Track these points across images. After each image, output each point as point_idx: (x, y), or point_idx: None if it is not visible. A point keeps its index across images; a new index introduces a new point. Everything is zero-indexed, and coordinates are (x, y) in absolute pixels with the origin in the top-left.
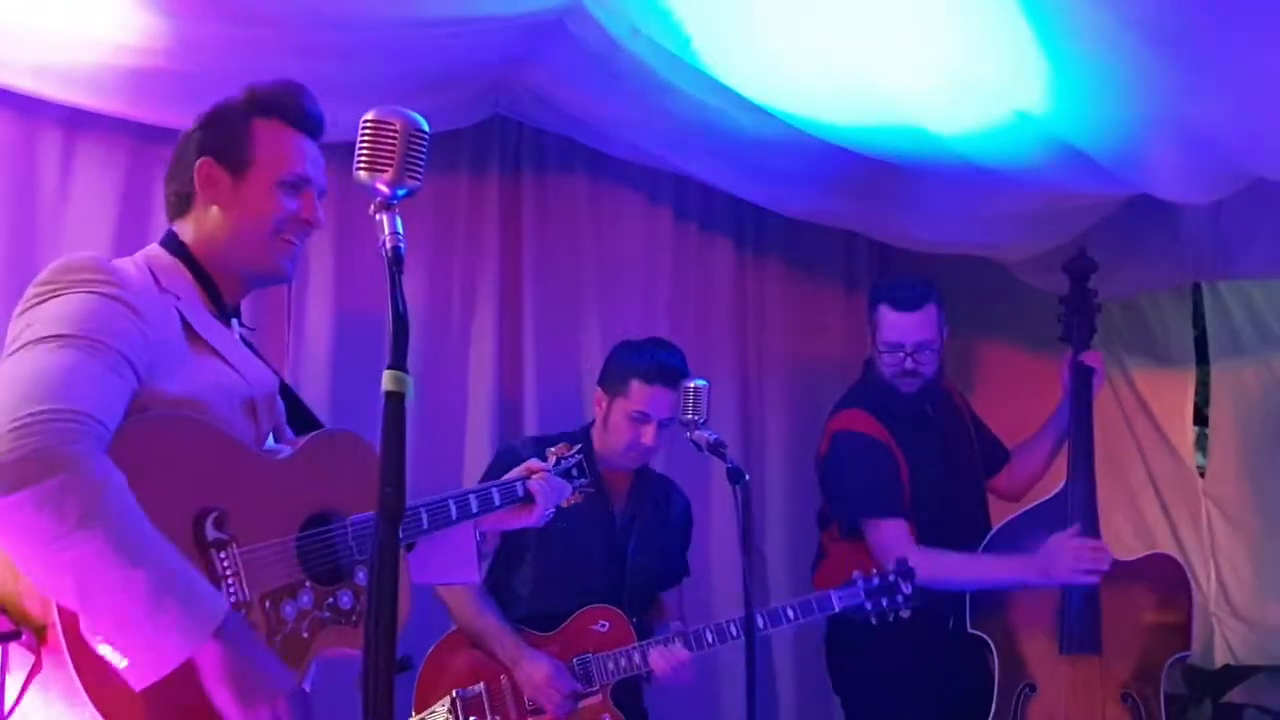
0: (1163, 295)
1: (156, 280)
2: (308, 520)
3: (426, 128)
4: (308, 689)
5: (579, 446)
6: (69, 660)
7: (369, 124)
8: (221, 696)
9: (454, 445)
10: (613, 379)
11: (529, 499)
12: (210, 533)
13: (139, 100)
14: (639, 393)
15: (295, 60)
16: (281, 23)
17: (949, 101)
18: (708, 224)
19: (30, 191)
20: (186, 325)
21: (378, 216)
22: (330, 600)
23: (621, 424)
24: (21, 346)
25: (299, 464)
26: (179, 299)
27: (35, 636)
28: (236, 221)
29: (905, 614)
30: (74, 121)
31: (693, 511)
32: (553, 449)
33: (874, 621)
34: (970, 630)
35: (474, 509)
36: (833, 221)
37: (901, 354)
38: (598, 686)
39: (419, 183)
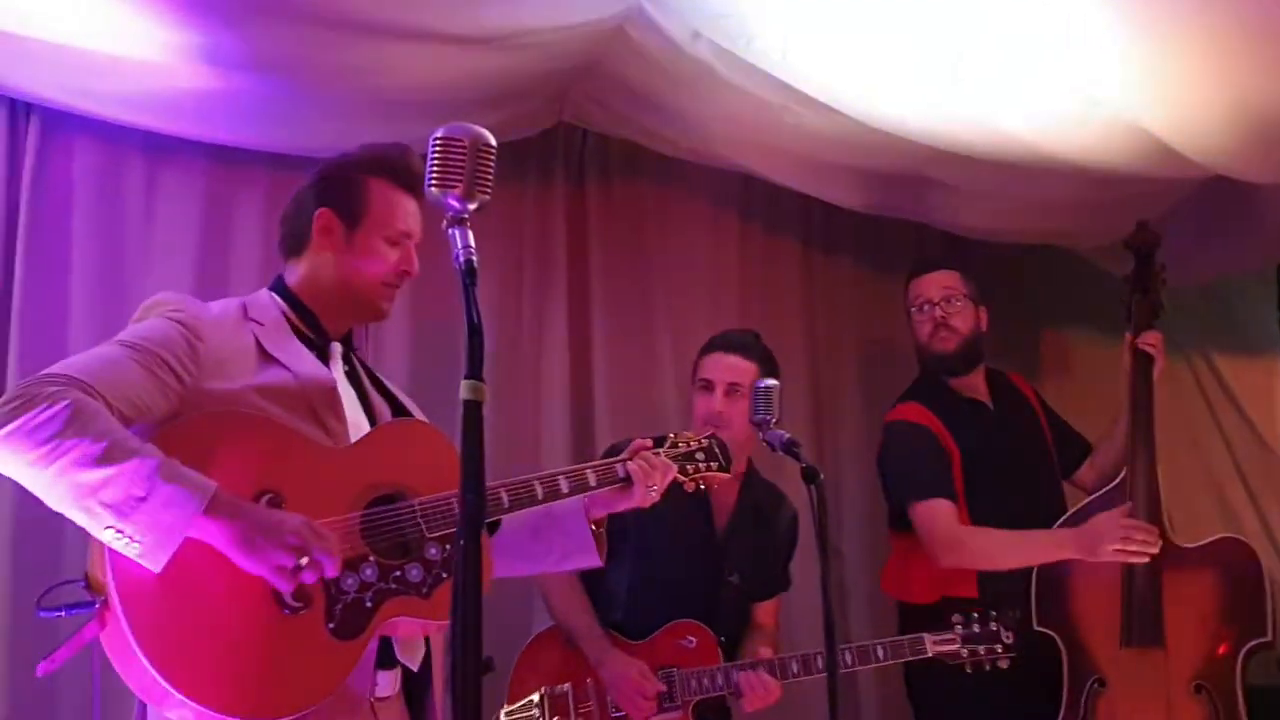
0: (1245, 278)
1: (245, 312)
2: (374, 500)
3: (493, 142)
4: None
5: (711, 434)
6: (122, 617)
7: (438, 142)
8: (241, 558)
9: (528, 454)
10: (692, 372)
11: (629, 480)
12: None
13: (216, 123)
14: (701, 366)
15: (362, 80)
16: (348, 44)
17: (1014, 90)
18: (774, 223)
19: (117, 213)
20: (259, 345)
21: (450, 231)
22: (397, 573)
23: (694, 401)
24: None
25: (362, 450)
26: (261, 325)
27: (104, 604)
28: (348, 268)
29: (1004, 665)
30: (156, 145)
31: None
32: (674, 434)
33: (969, 670)
34: (1036, 628)
35: (564, 489)
36: (900, 214)
37: (930, 305)
38: (679, 702)
39: (488, 196)
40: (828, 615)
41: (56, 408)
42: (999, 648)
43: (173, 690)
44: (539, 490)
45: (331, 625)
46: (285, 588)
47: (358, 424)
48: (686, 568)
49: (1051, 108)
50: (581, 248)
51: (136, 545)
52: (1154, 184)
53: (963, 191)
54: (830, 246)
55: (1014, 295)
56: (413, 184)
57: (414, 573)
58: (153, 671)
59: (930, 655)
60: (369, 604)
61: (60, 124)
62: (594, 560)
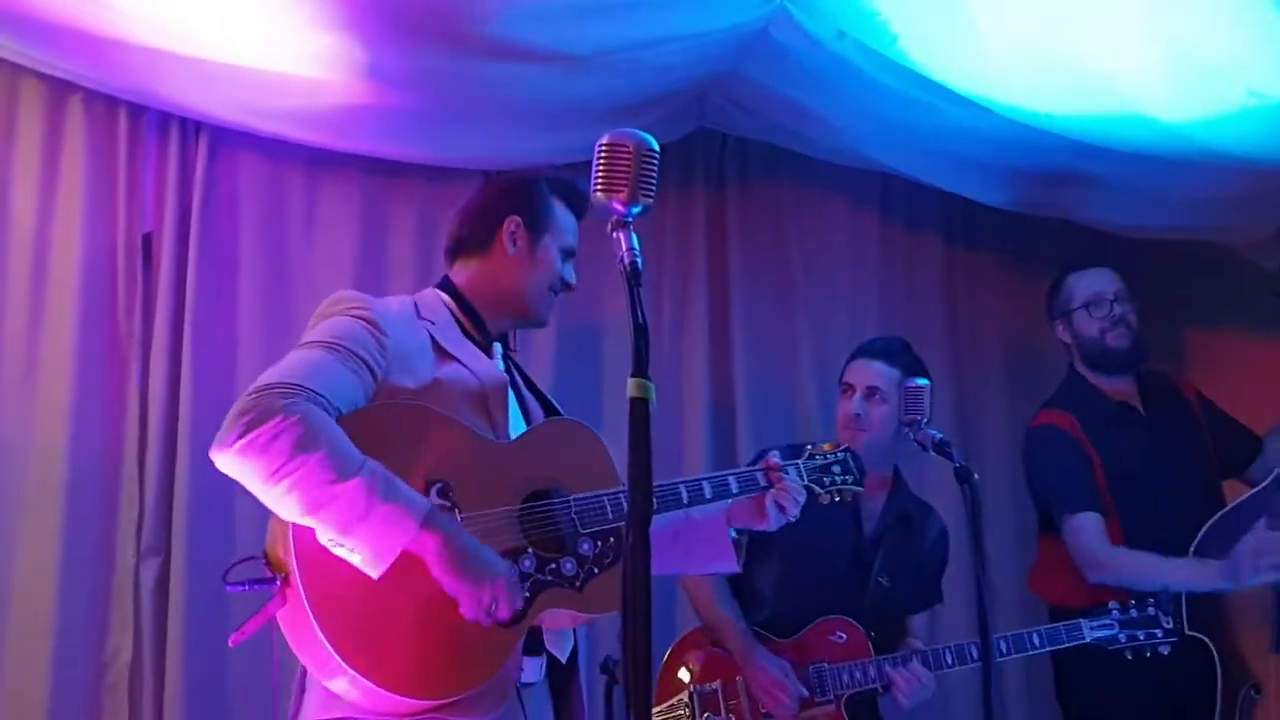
0: None
1: (417, 310)
2: (531, 494)
3: (656, 147)
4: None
5: (846, 446)
6: (302, 594)
7: (604, 148)
8: (448, 581)
9: (670, 458)
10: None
11: (770, 488)
12: (434, 500)
13: (373, 137)
14: (845, 371)
15: (509, 91)
16: (498, 56)
17: (1175, 85)
18: (916, 221)
19: (280, 224)
20: (435, 343)
21: (615, 234)
22: (553, 566)
23: (839, 407)
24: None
25: (523, 446)
26: (434, 324)
27: (284, 580)
28: (526, 273)
29: (1165, 650)
30: (316, 159)
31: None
32: (811, 445)
33: (1129, 656)
34: (1188, 632)
35: (707, 494)
36: (1047, 211)
37: (1107, 303)
38: (831, 697)
39: (652, 199)
40: (982, 612)
41: (290, 421)
42: (1159, 632)
43: (344, 663)
44: (684, 494)
45: None
46: (468, 615)
47: (514, 422)
48: (834, 569)
49: (1212, 99)
50: (721, 250)
51: (357, 556)
52: None
53: (1113, 187)
54: (974, 244)
55: (1157, 291)
56: (582, 208)
57: (568, 566)
58: (327, 645)
59: (1088, 640)
60: (527, 593)
61: (227, 140)
62: (732, 566)
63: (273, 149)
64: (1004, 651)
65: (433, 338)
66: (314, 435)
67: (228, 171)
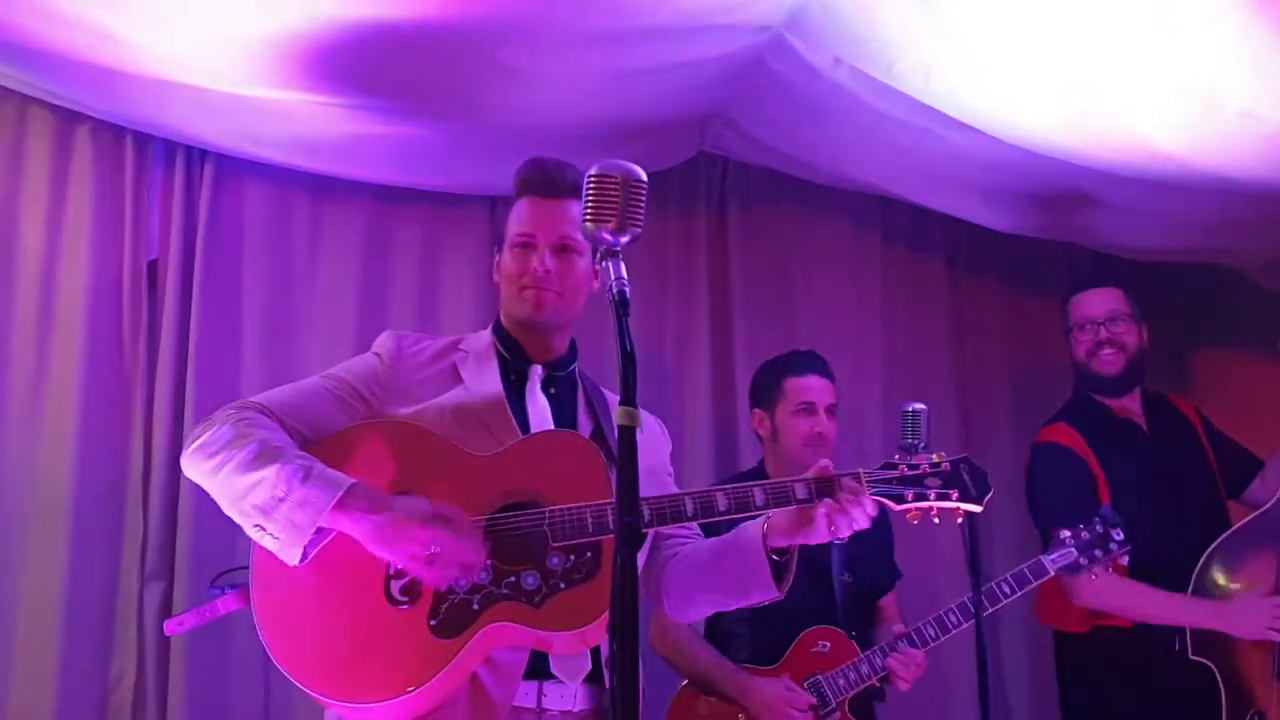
0: None
1: (456, 344)
2: (507, 506)
3: (644, 177)
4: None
5: (943, 455)
6: (252, 596)
7: (592, 178)
8: (379, 550)
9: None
10: (764, 392)
11: (810, 501)
12: None
13: (378, 164)
14: (794, 387)
15: (512, 119)
16: (500, 87)
17: (1167, 107)
18: (918, 245)
19: (285, 250)
20: (455, 370)
21: (603, 263)
22: (511, 579)
23: (791, 424)
24: None
25: (506, 457)
26: (465, 354)
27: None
28: (503, 288)
29: (1124, 559)
30: (320, 186)
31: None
32: (902, 454)
33: (1094, 575)
34: (1192, 657)
35: (720, 506)
36: (1050, 234)
37: (1094, 326)
38: (834, 705)
39: (640, 229)
40: (979, 636)
41: (229, 424)
42: (1113, 545)
43: (276, 662)
44: (688, 506)
45: (434, 622)
46: (428, 577)
47: None
48: (797, 585)
49: (1206, 122)
50: (723, 274)
51: (275, 541)
52: None
53: (1113, 210)
54: (976, 268)
55: (1163, 313)
56: (546, 188)
57: (529, 580)
58: (267, 648)
59: (1052, 574)
60: (475, 606)
61: (232, 168)
62: (771, 593)
63: (277, 176)
64: (984, 608)
65: (455, 366)
66: (246, 434)
67: (232, 199)
